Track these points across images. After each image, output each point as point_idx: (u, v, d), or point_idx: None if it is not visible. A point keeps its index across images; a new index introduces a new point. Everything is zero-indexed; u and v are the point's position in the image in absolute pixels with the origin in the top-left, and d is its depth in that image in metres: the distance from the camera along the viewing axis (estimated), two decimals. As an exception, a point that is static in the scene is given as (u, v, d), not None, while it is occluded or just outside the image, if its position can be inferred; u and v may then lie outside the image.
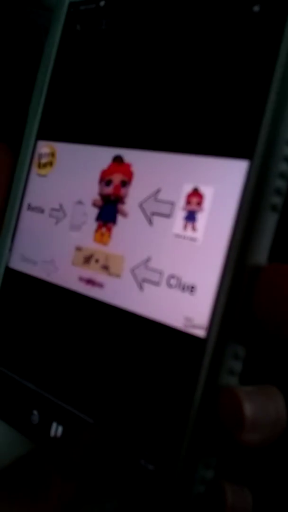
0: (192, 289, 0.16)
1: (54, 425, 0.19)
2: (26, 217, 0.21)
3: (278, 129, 0.15)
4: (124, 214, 0.18)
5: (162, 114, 0.18)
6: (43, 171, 0.21)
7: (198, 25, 0.17)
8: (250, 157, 0.15)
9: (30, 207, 0.21)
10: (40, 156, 0.21)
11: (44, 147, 0.21)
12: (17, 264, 0.21)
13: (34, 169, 0.21)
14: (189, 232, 0.16)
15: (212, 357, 0.15)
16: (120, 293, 0.18)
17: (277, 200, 0.15)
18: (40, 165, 0.21)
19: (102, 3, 0.20)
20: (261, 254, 0.15)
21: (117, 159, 0.19)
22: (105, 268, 0.18)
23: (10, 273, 0.21)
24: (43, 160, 0.21)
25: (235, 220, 0.15)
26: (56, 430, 0.19)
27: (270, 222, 0.15)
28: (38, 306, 0.20)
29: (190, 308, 0.16)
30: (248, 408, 0.14)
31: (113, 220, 0.18)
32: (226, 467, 0.15)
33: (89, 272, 0.19)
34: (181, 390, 0.15)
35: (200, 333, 0.15)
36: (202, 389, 0.15)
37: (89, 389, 0.18)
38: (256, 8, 0.16)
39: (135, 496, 0.16)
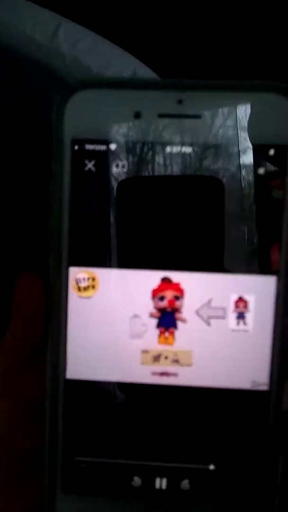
0: (253, 363, 0.24)
1: (158, 480, 0.25)
2: (77, 333, 0.24)
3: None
4: (183, 321, 0.24)
5: (207, 245, 0.24)
6: (85, 294, 0.24)
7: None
8: (277, 274, 0.24)
9: (79, 339, 0.24)
10: (78, 281, 0.24)
11: (81, 273, 0.24)
12: (77, 374, 0.25)
13: (74, 293, 0.24)
14: (242, 326, 0.24)
15: (275, 400, 0.24)
16: (195, 377, 0.24)
17: None
18: (81, 289, 0.24)
19: (112, 146, 0.23)
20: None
21: (166, 280, 0.24)
22: (176, 361, 0.24)
23: (70, 384, 0.25)
24: (83, 284, 0.24)
25: (275, 312, 0.24)
26: (160, 483, 0.25)
27: None
28: (112, 403, 0.25)
29: (254, 375, 0.24)
30: None
31: (174, 326, 0.24)
32: None
33: (161, 367, 0.24)
34: (259, 425, 0.24)
35: (265, 388, 0.24)
36: (274, 420, 0.24)
37: (183, 446, 0.25)
38: None
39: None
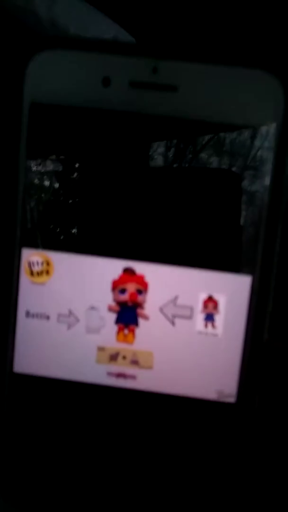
0: (219, 370, 0.22)
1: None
2: (27, 324, 0.22)
3: (271, 257, 0.21)
4: (145, 317, 0.22)
5: (177, 235, 0.21)
6: (38, 279, 0.22)
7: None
8: (252, 273, 0.21)
9: (29, 315, 0.22)
10: (31, 264, 0.22)
11: (34, 256, 0.22)
12: (25, 368, 0.22)
13: (26, 277, 0.22)
14: (210, 329, 0.21)
15: (243, 414, 0.22)
16: (155, 382, 0.22)
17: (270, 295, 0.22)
18: (33, 274, 0.22)
19: (77, 114, 0.21)
20: (265, 333, 0.22)
21: (129, 271, 0.21)
22: (135, 363, 0.22)
23: (17, 378, 0.22)
24: (37, 269, 0.22)
25: (247, 316, 0.21)
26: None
27: (270, 309, 0.22)
28: (64, 404, 0.22)
29: (220, 384, 0.22)
30: None
31: (135, 323, 0.22)
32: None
33: (118, 367, 0.22)
34: (223, 441, 0.22)
35: (231, 400, 0.22)
36: (240, 438, 0.22)
37: (135, 459, 0.22)
38: None
39: None
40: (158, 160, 0.21)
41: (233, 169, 0.21)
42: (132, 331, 0.22)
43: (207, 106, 0.20)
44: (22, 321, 0.22)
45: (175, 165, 0.22)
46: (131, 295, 0.21)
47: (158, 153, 0.22)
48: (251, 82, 0.20)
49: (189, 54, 0.20)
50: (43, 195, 0.21)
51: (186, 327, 0.21)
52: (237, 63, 0.20)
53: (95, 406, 0.22)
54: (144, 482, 0.22)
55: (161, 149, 0.21)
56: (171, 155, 0.21)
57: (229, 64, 0.20)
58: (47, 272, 0.22)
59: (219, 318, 0.21)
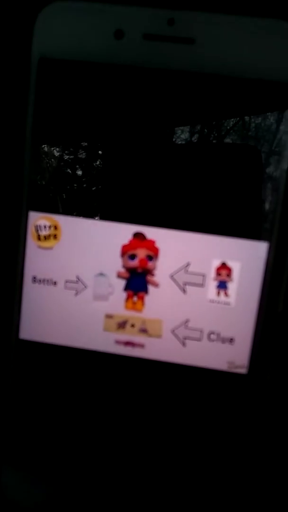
0: (231, 340, 0.21)
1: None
2: (34, 290, 0.21)
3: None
4: (155, 285, 0.21)
5: (190, 200, 0.20)
6: (45, 244, 0.21)
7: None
8: (269, 240, 0.20)
9: (36, 280, 0.21)
10: (39, 228, 0.21)
11: (42, 219, 0.21)
12: (31, 334, 0.22)
13: (32, 242, 0.21)
14: (222, 298, 0.21)
15: (254, 387, 0.21)
16: (164, 351, 0.21)
17: None
18: (41, 238, 0.21)
19: (88, 69, 0.20)
20: (280, 303, 0.21)
21: (139, 236, 0.21)
22: (144, 331, 0.21)
23: (23, 344, 0.22)
24: (44, 233, 0.21)
25: (262, 285, 0.20)
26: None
27: (286, 278, 0.21)
28: (70, 372, 0.22)
29: (231, 354, 0.21)
30: None
31: (145, 290, 0.21)
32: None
33: (126, 336, 0.21)
34: (233, 414, 0.21)
35: (242, 371, 0.21)
36: (250, 411, 0.21)
37: (141, 429, 0.22)
38: None
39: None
40: (172, 119, 0.20)
41: (252, 131, 0.20)
42: (142, 299, 0.21)
43: (225, 59, 0.18)
44: (28, 287, 0.21)
45: (189, 126, 0.21)
46: (141, 261, 0.21)
47: (172, 112, 0.21)
48: (274, 34, 0.19)
49: (207, 4, 0.18)
50: (51, 155, 0.21)
51: (197, 295, 0.21)
52: (259, 13, 0.19)
53: (102, 374, 0.21)
54: (148, 456, 0.22)
55: (174, 108, 0.20)
56: (186, 114, 0.20)
57: (250, 14, 0.19)
58: (55, 237, 0.21)
59: (232, 286, 0.21)
